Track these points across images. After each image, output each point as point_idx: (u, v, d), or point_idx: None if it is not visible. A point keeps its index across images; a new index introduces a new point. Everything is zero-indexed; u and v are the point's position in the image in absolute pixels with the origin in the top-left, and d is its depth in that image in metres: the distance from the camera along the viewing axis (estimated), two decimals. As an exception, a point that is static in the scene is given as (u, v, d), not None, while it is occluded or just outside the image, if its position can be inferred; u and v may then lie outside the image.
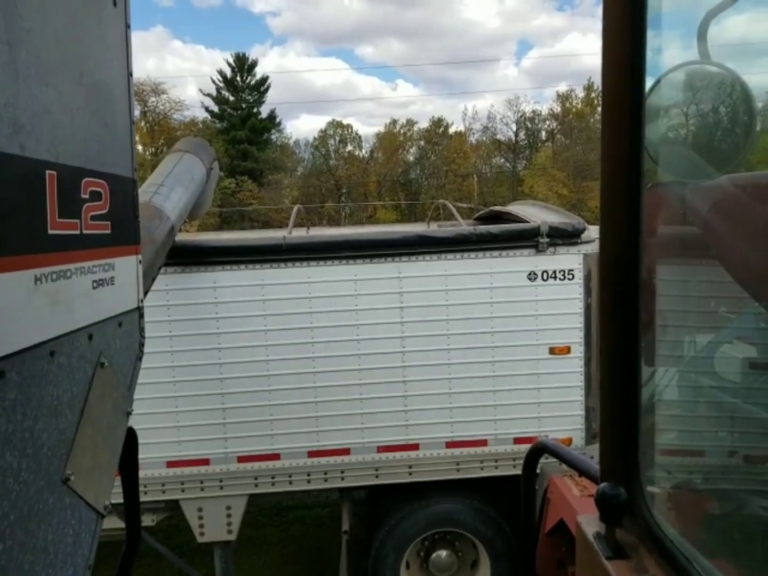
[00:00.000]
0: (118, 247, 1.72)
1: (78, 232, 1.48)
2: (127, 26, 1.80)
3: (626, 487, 1.22)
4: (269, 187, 47.17)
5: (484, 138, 52.34)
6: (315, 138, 53.28)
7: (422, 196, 47.26)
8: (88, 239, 1.53)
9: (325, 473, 5.22)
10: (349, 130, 52.90)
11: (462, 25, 75.42)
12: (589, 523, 1.34)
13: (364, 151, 53.16)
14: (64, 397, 1.42)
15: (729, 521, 1.44)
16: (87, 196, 1.52)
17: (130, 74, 1.82)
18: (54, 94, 1.37)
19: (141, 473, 2.39)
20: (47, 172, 1.33)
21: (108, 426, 1.66)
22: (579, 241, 5.15)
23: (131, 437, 1.87)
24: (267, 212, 37.56)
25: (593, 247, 5.13)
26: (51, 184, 1.34)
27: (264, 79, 51.08)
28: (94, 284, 1.58)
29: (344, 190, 50.30)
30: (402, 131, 53.11)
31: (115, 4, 1.70)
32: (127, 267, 1.78)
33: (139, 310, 1.91)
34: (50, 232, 1.35)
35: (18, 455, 1.23)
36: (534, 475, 2.42)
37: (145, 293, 2.23)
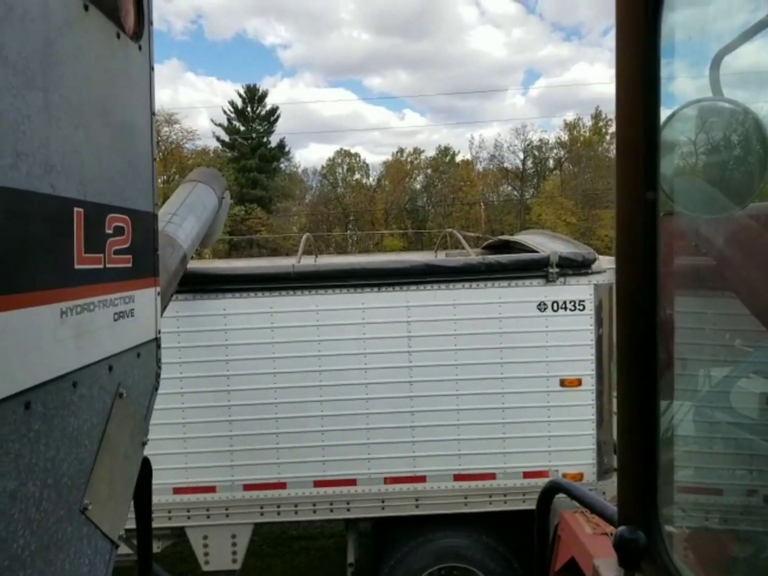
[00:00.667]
0: (138, 280, 1.76)
1: (102, 266, 1.52)
2: (151, 68, 1.87)
3: (645, 530, 1.21)
4: (278, 215, 47.63)
5: (491, 166, 52.81)
6: (323, 166, 53.98)
7: (429, 223, 47.52)
8: (111, 273, 1.57)
9: (331, 504, 5.17)
10: (357, 159, 53.58)
11: (469, 56, 76.72)
12: (607, 567, 1.31)
13: (371, 179, 53.74)
14: (84, 427, 1.44)
15: (749, 564, 1.42)
16: (111, 232, 1.57)
17: (152, 113, 1.88)
18: (83, 135, 1.42)
19: None
20: (75, 209, 1.38)
21: (125, 456, 1.67)
22: (589, 271, 5.14)
23: (146, 467, 1.88)
24: (275, 239, 37.84)
25: (604, 278, 5.12)
26: (78, 221, 1.38)
27: (274, 110, 52.13)
28: (115, 316, 1.61)
29: (351, 218, 50.68)
30: (409, 159, 53.67)
31: (140, 48, 1.77)
32: (146, 299, 1.82)
33: (157, 341, 1.94)
34: (76, 266, 1.39)
35: (40, 485, 1.25)
36: (548, 516, 2.38)
37: None
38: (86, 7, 1.42)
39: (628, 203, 1.36)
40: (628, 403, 1.31)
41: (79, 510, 1.42)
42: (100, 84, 1.51)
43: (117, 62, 1.62)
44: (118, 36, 1.62)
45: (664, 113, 1.41)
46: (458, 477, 5.16)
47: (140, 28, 1.78)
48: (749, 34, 1.59)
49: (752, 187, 1.73)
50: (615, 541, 1.23)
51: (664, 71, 1.32)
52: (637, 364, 1.28)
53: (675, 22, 1.38)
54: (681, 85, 1.70)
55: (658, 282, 1.30)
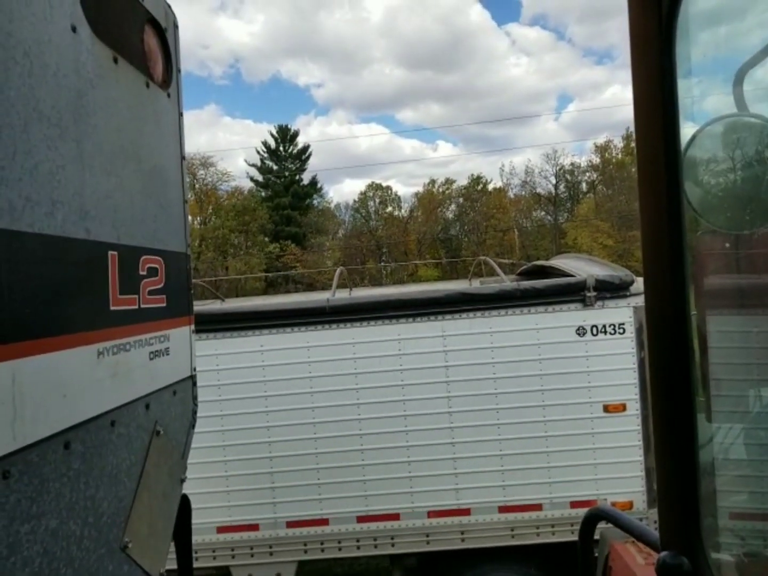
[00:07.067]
0: (172, 319, 1.80)
1: (137, 306, 1.56)
2: (180, 114, 1.95)
3: (689, 556, 1.16)
4: (312, 250, 48.27)
5: (523, 192, 52.62)
6: (355, 200, 54.65)
7: (463, 252, 47.40)
8: (146, 313, 1.61)
9: (375, 539, 5.09)
10: (389, 192, 54.12)
11: (501, 84, 77.07)
12: None
13: (403, 210, 54.12)
14: (123, 466, 1.46)
15: None
16: (145, 273, 1.62)
17: (183, 157, 1.95)
18: (115, 181, 1.48)
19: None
20: (110, 252, 1.43)
21: (163, 493, 1.69)
22: (628, 293, 5.05)
23: (185, 504, 1.90)
24: (310, 274, 38.29)
25: (644, 300, 5.00)
26: (113, 264, 1.44)
27: (305, 148, 53.44)
28: (151, 355, 1.65)
29: (384, 250, 50.97)
30: (441, 189, 53.93)
31: (168, 95, 1.85)
32: (181, 337, 1.86)
33: (192, 379, 1.97)
34: (112, 308, 1.43)
35: (81, 523, 1.27)
36: (591, 544, 2.29)
37: None
38: (116, 60, 1.50)
39: (653, 225, 1.34)
40: (664, 424, 1.27)
41: (120, 548, 1.44)
42: (131, 132, 1.58)
43: (147, 110, 1.70)
44: (147, 85, 1.70)
45: (688, 131, 1.39)
46: (503, 509, 5.03)
47: (169, 77, 1.85)
48: None
49: None
50: (657, 567, 1.18)
51: (685, 90, 1.31)
52: (670, 384, 1.24)
53: (692, 40, 1.37)
54: (704, 103, 1.68)
55: (687, 300, 1.27)
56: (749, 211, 1.76)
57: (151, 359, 1.64)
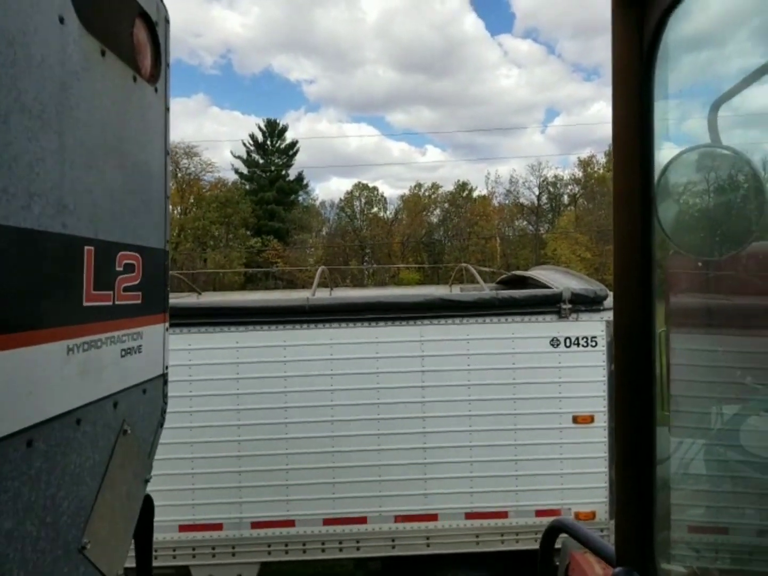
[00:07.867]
0: (147, 317, 1.77)
1: (111, 303, 1.54)
2: (167, 109, 1.92)
3: (641, 571, 1.18)
4: (294, 247, 48.03)
5: (507, 201, 53.01)
6: (341, 199, 54.53)
7: (445, 257, 47.59)
8: (120, 310, 1.59)
9: (341, 542, 5.08)
10: (375, 192, 54.11)
11: (491, 94, 77.41)
12: None
13: (388, 212, 54.15)
14: (87, 465, 1.44)
15: None
16: (121, 269, 1.60)
17: (167, 153, 1.93)
18: (96, 175, 1.46)
19: None
20: (86, 247, 1.41)
21: (127, 494, 1.67)
22: (601, 307, 5.12)
23: (147, 505, 1.87)
24: (291, 271, 38.09)
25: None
26: (89, 259, 1.41)
27: (293, 144, 53.07)
28: (123, 353, 1.63)
29: (368, 251, 50.95)
30: (427, 194, 54.09)
31: (156, 90, 1.83)
32: (154, 335, 1.84)
33: (164, 377, 1.95)
34: (85, 304, 1.41)
35: (38, 523, 1.24)
36: (551, 554, 2.33)
37: None
38: (103, 53, 1.48)
39: (625, 239, 1.38)
40: (625, 438, 1.29)
41: (77, 549, 1.41)
42: (115, 126, 1.56)
43: (133, 104, 1.68)
44: (135, 79, 1.68)
45: (663, 158, 1.43)
46: (470, 515, 5.06)
47: (157, 71, 1.83)
48: (748, 81, 1.61)
49: (750, 230, 1.73)
50: None
51: (663, 117, 1.35)
52: (633, 397, 1.27)
53: (671, 71, 1.40)
54: (680, 129, 1.72)
55: (653, 316, 1.31)
56: (717, 238, 1.81)
57: (122, 357, 1.62)
